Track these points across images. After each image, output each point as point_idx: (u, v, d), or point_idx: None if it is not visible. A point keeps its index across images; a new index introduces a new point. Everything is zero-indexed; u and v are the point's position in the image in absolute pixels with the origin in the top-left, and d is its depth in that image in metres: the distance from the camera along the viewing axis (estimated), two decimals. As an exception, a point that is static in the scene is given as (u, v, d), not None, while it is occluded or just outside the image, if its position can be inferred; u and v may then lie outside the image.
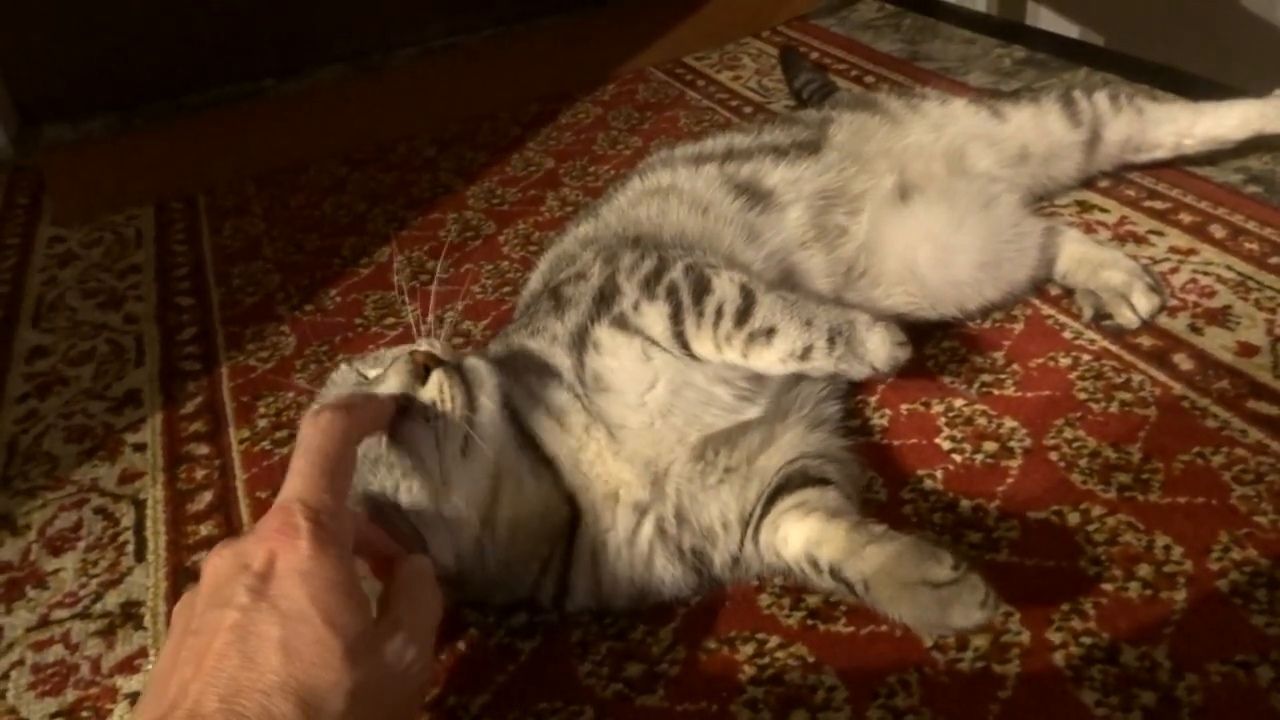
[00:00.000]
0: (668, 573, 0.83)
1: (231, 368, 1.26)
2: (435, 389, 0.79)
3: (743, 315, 0.84)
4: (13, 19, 2.08)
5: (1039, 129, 1.20)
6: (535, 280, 1.09)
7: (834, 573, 0.77)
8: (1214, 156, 1.31)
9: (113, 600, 0.94)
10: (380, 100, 2.15)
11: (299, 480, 0.66)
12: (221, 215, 1.68)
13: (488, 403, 0.80)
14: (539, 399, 0.85)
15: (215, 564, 0.63)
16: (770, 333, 0.84)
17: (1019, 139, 1.19)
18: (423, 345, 0.82)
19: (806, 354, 0.83)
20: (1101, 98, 1.23)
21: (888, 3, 2.16)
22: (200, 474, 1.09)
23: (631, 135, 1.74)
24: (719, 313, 0.84)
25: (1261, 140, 1.28)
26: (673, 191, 1.06)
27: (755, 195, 1.04)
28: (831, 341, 0.83)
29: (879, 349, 0.84)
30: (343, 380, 0.84)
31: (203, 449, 1.13)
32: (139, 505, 1.06)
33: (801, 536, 0.80)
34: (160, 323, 1.38)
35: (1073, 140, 1.22)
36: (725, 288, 0.86)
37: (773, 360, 0.84)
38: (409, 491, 0.76)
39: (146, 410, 1.21)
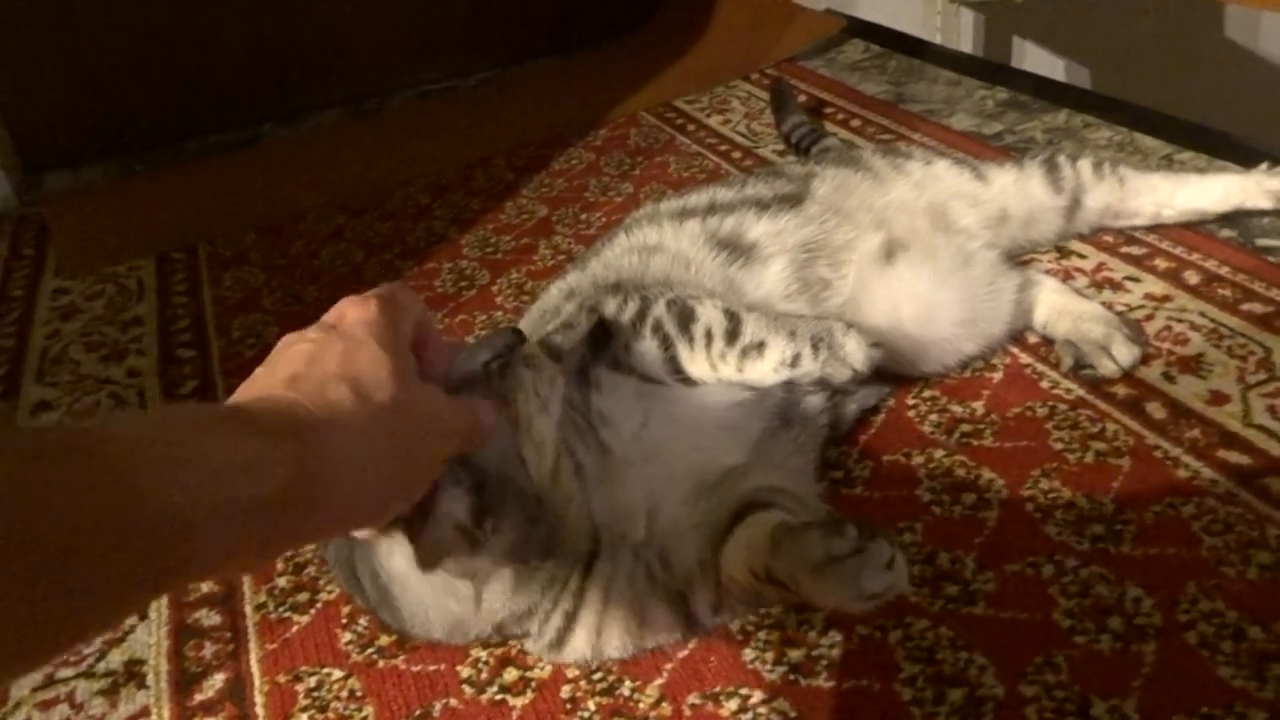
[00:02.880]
0: (660, 618, 0.86)
1: (232, 421, 1.28)
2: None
3: (732, 335, 0.93)
4: (14, 67, 2.12)
5: (1021, 192, 1.22)
6: None
7: (769, 577, 0.78)
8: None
9: (116, 659, 0.97)
10: (376, 145, 2.18)
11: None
12: (222, 265, 1.71)
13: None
14: (567, 417, 0.90)
15: (288, 336, 0.69)
16: (761, 346, 0.93)
17: (1000, 201, 1.21)
18: None
19: (796, 361, 0.93)
20: (1085, 165, 1.25)
21: (875, 44, 2.20)
22: (201, 530, 1.11)
23: (623, 182, 1.77)
24: (709, 335, 0.92)
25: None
26: (658, 250, 1.09)
27: (737, 249, 1.07)
28: (815, 348, 0.93)
29: (855, 351, 0.95)
30: None
31: (204, 504, 1.15)
32: (142, 562, 1.08)
33: (738, 553, 0.81)
34: (162, 376, 1.41)
35: (1053, 205, 1.24)
36: (709, 313, 0.93)
37: (766, 370, 0.93)
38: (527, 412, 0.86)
39: (149, 465, 1.23)
